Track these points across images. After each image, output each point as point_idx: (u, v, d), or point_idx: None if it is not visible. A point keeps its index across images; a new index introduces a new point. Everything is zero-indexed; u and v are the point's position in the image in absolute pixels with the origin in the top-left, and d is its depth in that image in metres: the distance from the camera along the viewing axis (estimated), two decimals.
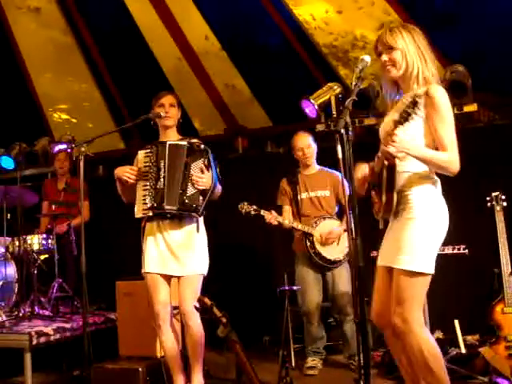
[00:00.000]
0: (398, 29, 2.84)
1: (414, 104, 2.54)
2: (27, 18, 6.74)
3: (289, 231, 4.92)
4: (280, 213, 4.84)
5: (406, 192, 2.79)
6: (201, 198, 3.67)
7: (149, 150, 3.75)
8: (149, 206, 3.65)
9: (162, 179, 3.66)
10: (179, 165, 3.68)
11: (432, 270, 2.74)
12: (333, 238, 4.71)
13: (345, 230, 4.61)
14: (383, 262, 2.89)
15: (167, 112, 3.84)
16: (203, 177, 3.66)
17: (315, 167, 4.96)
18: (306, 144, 4.87)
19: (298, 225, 4.76)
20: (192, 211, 3.68)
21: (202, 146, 3.74)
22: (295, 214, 4.89)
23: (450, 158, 2.71)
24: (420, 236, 2.74)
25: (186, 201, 3.63)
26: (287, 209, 4.94)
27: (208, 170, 3.70)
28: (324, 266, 4.78)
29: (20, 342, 4.42)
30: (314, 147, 4.91)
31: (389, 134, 2.61)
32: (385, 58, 2.82)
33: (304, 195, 4.89)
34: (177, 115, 3.92)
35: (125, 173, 3.71)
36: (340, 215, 4.85)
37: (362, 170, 2.92)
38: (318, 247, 4.72)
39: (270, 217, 4.66)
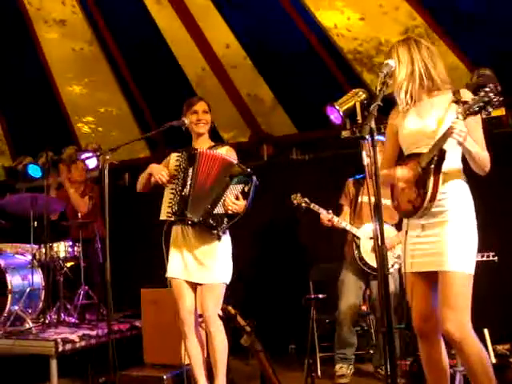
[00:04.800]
0: (394, 46, 2.96)
1: (487, 103, 2.54)
2: (54, 31, 6.85)
3: (319, 239, 4.85)
4: (338, 212, 4.78)
5: (441, 194, 2.76)
6: (226, 219, 3.65)
7: (179, 154, 3.74)
8: (172, 210, 3.64)
9: (187, 186, 3.65)
10: (216, 180, 3.66)
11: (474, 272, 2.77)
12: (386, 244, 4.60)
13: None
14: (420, 268, 2.83)
15: (200, 120, 3.84)
16: (236, 203, 3.61)
17: None
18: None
19: (346, 224, 4.68)
20: (212, 229, 3.66)
21: (249, 172, 3.68)
22: (352, 216, 4.81)
23: (487, 156, 2.78)
24: (465, 237, 2.76)
25: (210, 218, 3.62)
26: (345, 209, 4.87)
27: (244, 198, 3.64)
28: (369, 274, 4.67)
29: (46, 348, 4.47)
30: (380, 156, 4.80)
31: (453, 124, 2.60)
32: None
33: (365, 198, 4.74)
34: (209, 121, 3.91)
35: (159, 174, 3.70)
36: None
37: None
38: (363, 252, 4.63)
39: (325, 215, 4.63)
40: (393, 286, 4.54)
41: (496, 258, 4.33)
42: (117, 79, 7.08)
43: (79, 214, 5.68)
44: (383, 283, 2.45)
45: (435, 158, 2.71)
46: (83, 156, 6.26)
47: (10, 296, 5.20)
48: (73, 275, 5.58)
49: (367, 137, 2.53)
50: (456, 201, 2.78)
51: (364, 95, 4.99)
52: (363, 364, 5.05)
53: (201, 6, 6.15)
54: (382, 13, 5.39)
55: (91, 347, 4.75)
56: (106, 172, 3.59)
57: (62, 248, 5.52)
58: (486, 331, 4.42)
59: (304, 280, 5.44)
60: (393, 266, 4.53)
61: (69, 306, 5.41)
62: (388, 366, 2.52)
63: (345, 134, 5.57)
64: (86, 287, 5.48)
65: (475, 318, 4.69)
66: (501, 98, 2.52)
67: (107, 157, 3.60)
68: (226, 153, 3.84)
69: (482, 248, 4.15)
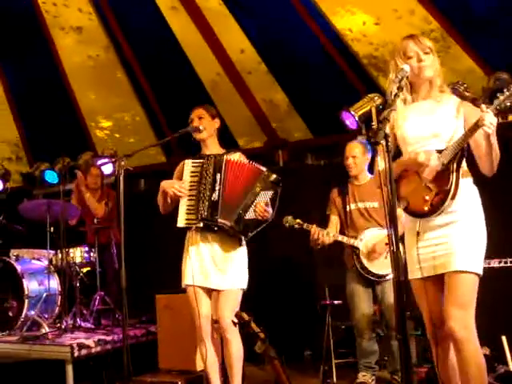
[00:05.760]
0: (424, 37, 2.91)
1: None
2: (70, 38, 6.91)
3: (333, 244, 4.81)
4: (325, 224, 4.75)
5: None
6: (254, 226, 3.67)
7: (200, 161, 3.72)
8: (201, 216, 3.61)
9: (216, 191, 3.62)
10: (247, 186, 3.66)
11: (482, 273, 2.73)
12: (376, 254, 4.54)
13: (386, 244, 4.45)
14: (430, 272, 2.78)
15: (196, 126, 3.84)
16: (268, 210, 3.63)
17: (365, 177, 4.74)
18: (351, 153, 4.70)
19: (342, 238, 4.64)
20: (242, 234, 3.68)
21: (278, 180, 3.70)
22: (344, 226, 4.76)
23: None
24: (474, 237, 2.72)
25: (242, 223, 3.62)
26: (334, 219, 4.80)
27: (272, 205, 3.66)
28: (373, 280, 4.61)
29: (62, 353, 4.49)
30: (362, 158, 4.69)
31: (484, 116, 2.54)
32: (423, 57, 2.82)
33: (353, 206, 4.72)
34: (210, 126, 3.87)
35: (172, 188, 3.67)
36: None
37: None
38: (365, 262, 4.57)
39: (314, 230, 4.57)
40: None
41: None
42: (132, 85, 7.12)
43: (95, 220, 5.71)
44: (398, 290, 2.42)
45: (458, 155, 2.69)
46: (99, 162, 6.30)
47: (26, 301, 5.23)
48: (89, 281, 5.61)
49: (382, 142, 2.51)
50: (465, 201, 2.75)
51: (380, 100, 4.97)
52: (379, 371, 5.00)
53: (215, 11, 6.18)
54: (397, 17, 5.37)
55: (107, 352, 4.76)
56: (122, 178, 3.60)
57: (78, 253, 5.57)
58: (503, 338, 4.36)
59: (319, 285, 5.41)
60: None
61: (85, 312, 5.44)
62: (403, 373, 2.50)
63: (360, 139, 5.53)
64: (102, 293, 5.51)
65: (493, 325, 4.67)
66: None
67: (122, 163, 3.61)
68: (239, 159, 3.84)
69: (499, 254, 4.13)
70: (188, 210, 3.66)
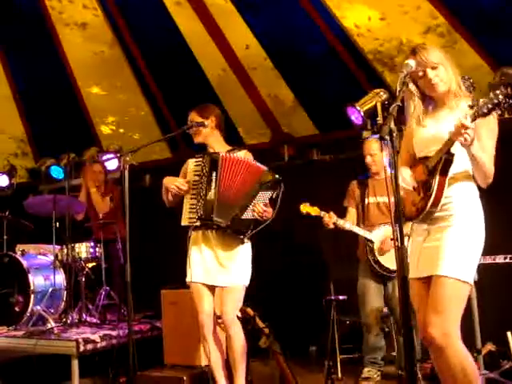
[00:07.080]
0: (427, 47, 2.83)
1: (496, 105, 2.43)
2: (75, 34, 6.92)
3: (339, 238, 4.80)
4: (343, 215, 4.73)
5: (446, 198, 2.69)
6: (252, 225, 3.65)
7: (200, 160, 3.73)
8: (198, 215, 3.63)
9: (212, 190, 3.63)
10: (245, 185, 3.65)
11: (472, 281, 2.66)
12: (386, 247, 4.54)
13: (391, 239, 4.45)
14: (421, 273, 2.75)
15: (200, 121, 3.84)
16: (266, 210, 3.62)
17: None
18: (369, 151, 4.74)
19: (358, 230, 4.62)
20: (238, 234, 3.66)
21: (278, 179, 3.67)
22: (360, 218, 4.77)
23: (492, 168, 2.66)
24: (465, 243, 2.66)
25: (238, 223, 3.62)
26: (352, 211, 4.82)
27: (272, 205, 3.64)
28: (384, 275, 4.61)
29: (68, 348, 4.50)
30: (380, 154, 4.66)
31: (462, 125, 2.47)
32: (431, 74, 2.77)
33: (372, 199, 4.74)
34: (204, 128, 3.84)
35: (173, 185, 3.71)
36: None
37: None
38: (377, 255, 4.58)
39: (328, 219, 4.55)
40: None
41: None
42: (138, 81, 7.12)
43: (100, 215, 5.72)
44: (403, 285, 2.42)
45: (442, 160, 2.65)
46: (104, 157, 6.31)
47: (32, 296, 5.24)
48: (94, 276, 5.62)
49: (387, 137, 2.50)
50: (461, 205, 2.71)
51: (385, 95, 4.93)
52: (384, 366, 5.00)
53: (220, 7, 6.16)
54: (403, 12, 5.35)
55: (112, 347, 4.77)
56: (127, 173, 3.60)
57: (83, 249, 5.57)
58: (508, 334, 4.36)
59: (324, 280, 5.41)
60: None
61: (90, 307, 5.45)
62: (407, 368, 2.49)
63: (366, 134, 5.51)
64: (107, 288, 5.52)
65: (498, 321, 4.66)
66: (511, 101, 2.44)
67: (127, 158, 3.62)
68: (244, 156, 3.82)
69: (504, 250, 4.12)
70: (190, 208, 3.68)
